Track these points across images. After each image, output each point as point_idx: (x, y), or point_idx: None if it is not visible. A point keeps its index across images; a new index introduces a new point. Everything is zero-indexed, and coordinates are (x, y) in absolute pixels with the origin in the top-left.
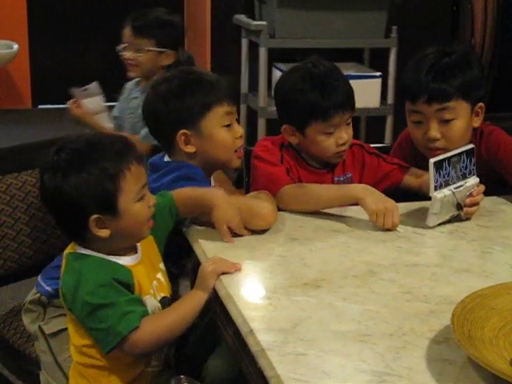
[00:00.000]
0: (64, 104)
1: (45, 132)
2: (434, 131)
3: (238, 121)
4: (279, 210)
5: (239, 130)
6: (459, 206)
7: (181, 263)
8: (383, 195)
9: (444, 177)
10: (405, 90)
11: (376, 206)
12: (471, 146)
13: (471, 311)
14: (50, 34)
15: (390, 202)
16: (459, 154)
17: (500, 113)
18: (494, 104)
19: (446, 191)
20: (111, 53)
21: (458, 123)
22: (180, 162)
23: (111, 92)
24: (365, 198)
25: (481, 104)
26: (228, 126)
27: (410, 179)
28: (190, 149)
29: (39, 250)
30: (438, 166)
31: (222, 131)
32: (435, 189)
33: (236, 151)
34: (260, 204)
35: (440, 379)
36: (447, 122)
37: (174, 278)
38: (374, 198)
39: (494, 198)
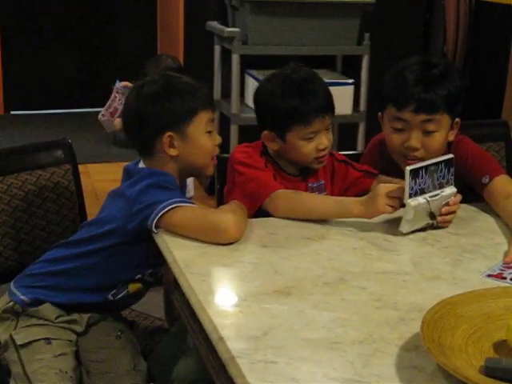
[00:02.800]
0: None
1: (17, 138)
2: (416, 141)
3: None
4: (268, 214)
5: (218, 137)
6: (432, 216)
7: (155, 272)
8: (374, 200)
9: (420, 185)
10: (388, 98)
11: (381, 207)
12: (450, 155)
13: (441, 318)
14: (23, 40)
15: (380, 199)
16: (437, 164)
17: (471, 120)
18: (465, 112)
19: (420, 199)
20: (83, 59)
21: (438, 135)
22: (153, 169)
23: (83, 97)
24: (367, 215)
25: (457, 119)
26: (209, 132)
27: None
28: (173, 152)
29: (10, 257)
30: (415, 173)
31: (205, 137)
32: (410, 196)
33: (212, 158)
34: (221, 217)
35: None
36: (429, 133)
37: (148, 286)
38: (373, 210)
39: (465, 205)
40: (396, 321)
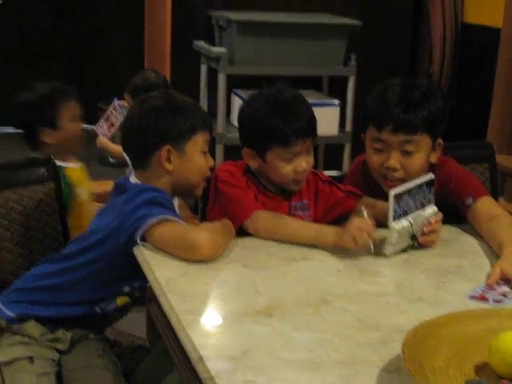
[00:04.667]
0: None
1: (2, 156)
2: (395, 161)
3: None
4: (248, 234)
5: (211, 160)
6: (413, 236)
7: (143, 287)
8: (349, 228)
9: (403, 207)
10: (370, 117)
11: (349, 239)
12: (431, 176)
13: (422, 340)
14: (6, 55)
15: (354, 223)
16: (419, 185)
17: (455, 142)
18: (450, 133)
19: (404, 221)
20: (69, 75)
21: (418, 156)
22: (149, 185)
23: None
24: (341, 242)
25: (440, 141)
26: (205, 153)
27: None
28: (169, 166)
29: (6, 271)
30: (398, 197)
31: (200, 156)
32: (393, 219)
33: (204, 179)
34: (196, 234)
35: None
36: (409, 153)
37: (135, 301)
38: (344, 244)
39: (448, 227)
40: (378, 342)
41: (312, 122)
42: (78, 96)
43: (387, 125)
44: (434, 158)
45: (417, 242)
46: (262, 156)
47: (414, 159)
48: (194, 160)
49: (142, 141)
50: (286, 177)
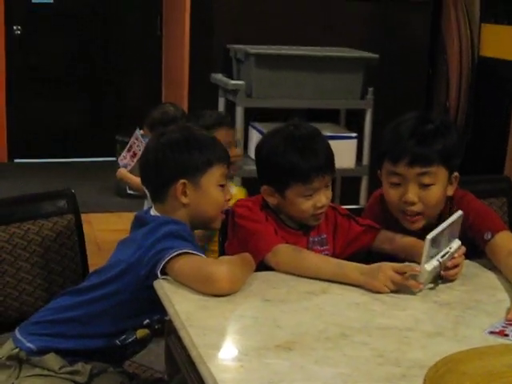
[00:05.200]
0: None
1: (21, 186)
2: (412, 194)
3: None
4: (269, 268)
5: (230, 193)
6: (439, 276)
7: (163, 319)
8: (377, 268)
9: (435, 248)
10: (385, 152)
11: (379, 285)
12: (460, 213)
13: (443, 376)
14: (27, 90)
15: (384, 271)
16: (450, 225)
17: (473, 175)
18: (467, 166)
19: (434, 262)
20: (87, 109)
21: (435, 189)
22: (169, 218)
23: (86, 146)
24: (364, 285)
25: (456, 174)
26: (222, 186)
27: (382, 242)
28: (185, 200)
29: (11, 307)
30: (433, 241)
31: (217, 189)
32: (426, 262)
33: (222, 212)
34: (214, 268)
35: None
36: (426, 186)
37: (154, 334)
38: (371, 285)
39: (467, 261)
40: (398, 377)
41: (330, 157)
42: (231, 123)
43: (403, 158)
44: (450, 191)
45: (440, 279)
46: (281, 193)
47: (431, 192)
48: (209, 193)
49: (159, 174)
50: (305, 212)
